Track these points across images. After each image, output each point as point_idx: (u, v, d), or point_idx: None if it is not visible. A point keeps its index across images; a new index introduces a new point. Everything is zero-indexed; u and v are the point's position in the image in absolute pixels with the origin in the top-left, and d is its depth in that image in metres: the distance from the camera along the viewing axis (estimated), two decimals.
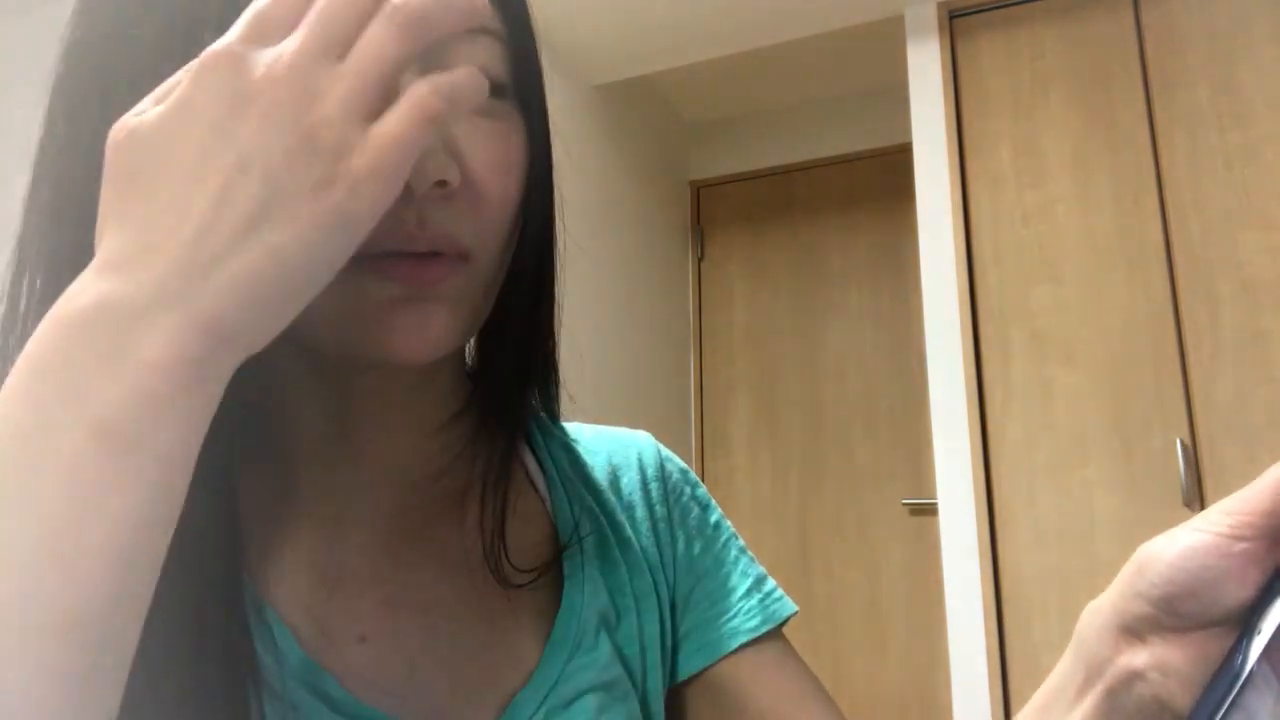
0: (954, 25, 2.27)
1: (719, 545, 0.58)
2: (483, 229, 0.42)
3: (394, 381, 0.46)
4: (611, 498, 0.56)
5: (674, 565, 0.56)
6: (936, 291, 2.14)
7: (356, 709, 0.42)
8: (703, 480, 2.64)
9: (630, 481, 0.57)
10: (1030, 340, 2.04)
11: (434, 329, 0.41)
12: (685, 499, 0.59)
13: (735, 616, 0.55)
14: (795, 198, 3.07)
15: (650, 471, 0.59)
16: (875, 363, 2.85)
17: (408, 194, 0.38)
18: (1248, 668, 0.34)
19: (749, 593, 0.56)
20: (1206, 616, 0.36)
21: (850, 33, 2.43)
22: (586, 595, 0.51)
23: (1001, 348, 2.07)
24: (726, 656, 0.54)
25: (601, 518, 0.55)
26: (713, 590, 0.56)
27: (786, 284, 3.02)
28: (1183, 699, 0.36)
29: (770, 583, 0.58)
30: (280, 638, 0.42)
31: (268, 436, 0.45)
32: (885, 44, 2.43)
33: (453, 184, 0.39)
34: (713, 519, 0.59)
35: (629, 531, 0.55)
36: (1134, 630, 0.37)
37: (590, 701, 0.48)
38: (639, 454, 0.59)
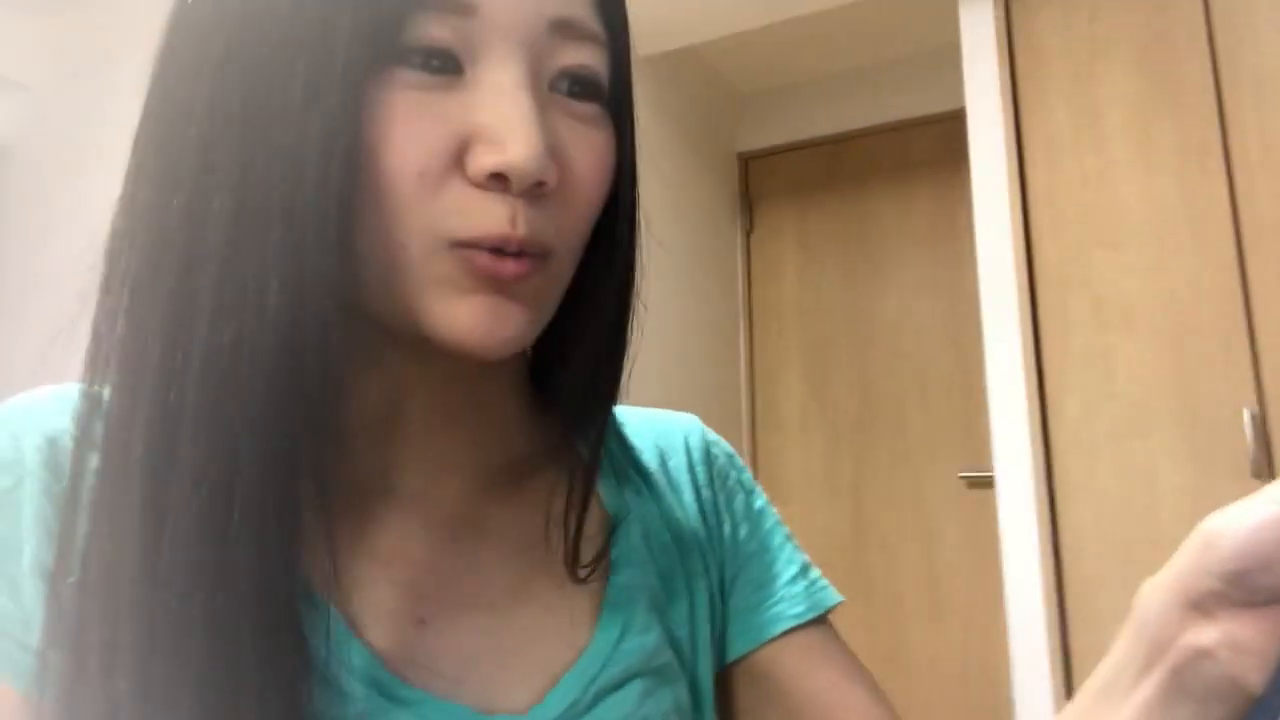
0: None
1: (764, 530, 0.58)
2: (567, 230, 0.43)
3: (456, 368, 0.46)
4: (661, 480, 0.56)
5: (721, 548, 0.56)
6: (992, 260, 2.09)
7: (408, 693, 0.42)
8: (755, 456, 2.62)
9: (678, 465, 0.57)
10: (1090, 308, 1.99)
11: (510, 326, 0.41)
12: (731, 482, 0.59)
13: (780, 602, 0.55)
14: (845, 167, 3.03)
15: (696, 455, 0.58)
16: (930, 334, 2.81)
17: (504, 190, 0.39)
18: None
19: (794, 579, 0.56)
20: None
21: None
22: (636, 578, 0.51)
23: (1060, 316, 2.02)
24: (770, 642, 0.54)
25: (651, 501, 0.55)
26: (758, 575, 0.56)
27: (837, 256, 2.99)
28: (1257, 676, 0.35)
29: (815, 571, 0.58)
30: (331, 622, 0.42)
31: (329, 415, 0.47)
32: (938, 6, 2.37)
33: (551, 186, 0.40)
34: (758, 504, 0.59)
35: (678, 514, 0.55)
36: (1201, 607, 0.36)
37: (638, 685, 0.48)
38: (685, 437, 0.59)
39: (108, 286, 0.41)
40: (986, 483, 2.56)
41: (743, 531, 0.57)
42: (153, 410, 0.38)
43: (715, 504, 0.57)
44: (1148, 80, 2.03)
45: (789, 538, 0.59)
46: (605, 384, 0.51)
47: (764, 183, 3.18)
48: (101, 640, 0.36)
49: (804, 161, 3.11)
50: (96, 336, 0.41)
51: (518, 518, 0.50)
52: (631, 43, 0.48)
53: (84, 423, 0.41)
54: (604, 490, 0.53)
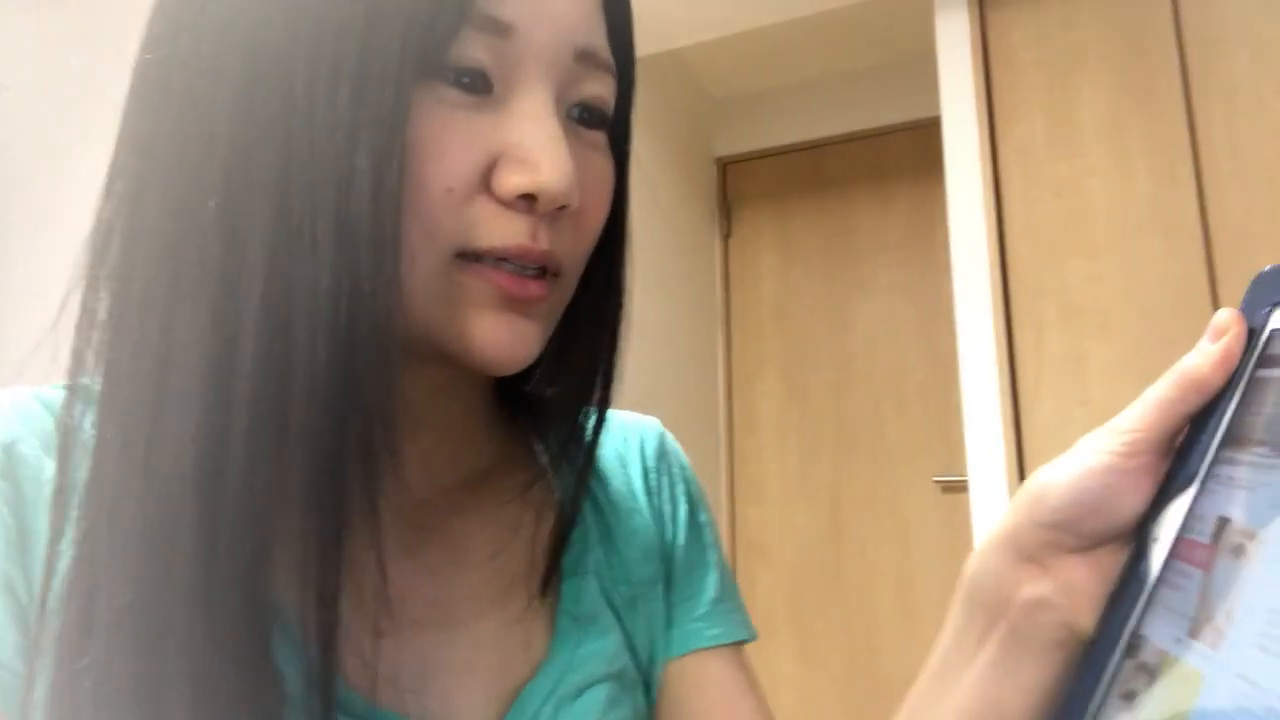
0: None
1: (701, 546, 0.58)
2: (577, 251, 0.45)
3: (433, 376, 0.46)
4: (620, 486, 0.56)
5: (668, 556, 0.56)
6: (967, 266, 2.11)
7: (365, 710, 0.42)
8: (732, 459, 2.64)
9: (635, 471, 0.58)
10: (1063, 315, 2.02)
11: (526, 344, 0.43)
12: (679, 492, 0.59)
13: (699, 620, 0.55)
14: (823, 173, 3.05)
15: (650, 461, 0.59)
16: (906, 339, 2.83)
17: (530, 210, 0.40)
18: (1156, 569, 0.36)
19: (718, 601, 0.56)
20: (1108, 532, 0.38)
21: (878, 3, 2.40)
22: (595, 586, 0.51)
23: (1034, 322, 2.04)
24: (681, 656, 0.54)
25: (609, 507, 0.55)
26: (685, 589, 0.56)
27: (815, 261, 3.00)
28: (1088, 617, 0.37)
29: (738, 601, 0.58)
30: (293, 637, 0.41)
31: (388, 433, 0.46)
32: (914, 14, 2.39)
33: (573, 209, 0.42)
34: (701, 518, 0.59)
35: (635, 521, 0.55)
36: (1035, 559, 0.38)
37: (600, 693, 0.48)
38: (641, 442, 0.59)
39: (100, 286, 0.39)
40: (960, 487, 2.59)
41: (681, 541, 0.57)
42: (196, 430, 0.36)
43: (663, 511, 0.57)
44: (1120, 89, 2.06)
45: (722, 561, 0.59)
46: (594, 409, 0.52)
47: (742, 187, 3.19)
48: (89, 664, 0.35)
49: (782, 167, 3.13)
50: (85, 339, 0.39)
51: (480, 526, 0.49)
52: (634, 75, 0.49)
53: (69, 432, 0.39)
54: (560, 495, 0.53)
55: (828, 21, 2.53)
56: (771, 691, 3.17)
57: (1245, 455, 0.35)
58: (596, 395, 0.51)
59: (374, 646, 0.43)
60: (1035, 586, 0.38)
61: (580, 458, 0.52)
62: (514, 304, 0.42)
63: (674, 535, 0.57)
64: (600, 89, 0.44)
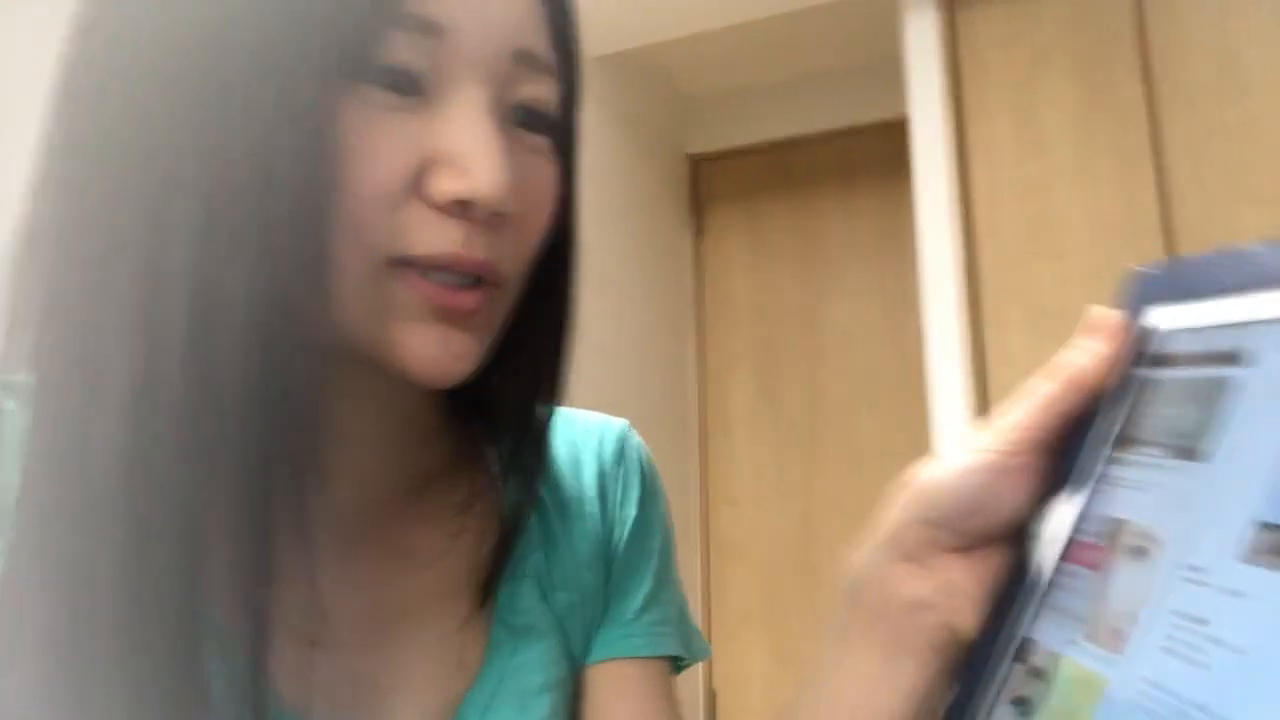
0: None
1: (641, 553, 0.56)
2: (517, 258, 0.43)
3: (380, 382, 0.45)
4: (569, 488, 0.55)
5: (612, 559, 0.55)
6: (935, 267, 2.13)
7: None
8: (704, 457, 2.64)
9: (589, 473, 0.56)
10: (1030, 315, 2.04)
11: (460, 357, 0.41)
12: (632, 496, 0.57)
13: (619, 627, 0.53)
14: (794, 172, 3.06)
15: (607, 464, 0.57)
16: (877, 338, 2.85)
17: (468, 215, 0.39)
18: (1046, 572, 0.36)
19: (642, 611, 0.54)
20: (989, 531, 0.37)
21: (848, 4, 2.41)
22: (530, 589, 0.50)
23: (1000, 323, 2.07)
24: (596, 663, 0.52)
25: (553, 509, 0.53)
26: (616, 593, 0.54)
27: (787, 259, 3.02)
28: (968, 618, 0.36)
29: (671, 614, 0.56)
30: (224, 652, 0.39)
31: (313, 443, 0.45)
32: (883, 15, 2.41)
33: (509, 215, 0.41)
34: (649, 525, 0.57)
35: (584, 525, 0.54)
36: (916, 557, 0.37)
37: (539, 702, 0.47)
38: (600, 443, 0.57)
39: (30, 289, 0.38)
40: None
41: (624, 545, 0.55)
42: (123, 441, 0.35)
43: (613, 515, 0.55)
44: (1085, 92, 2.09)
45: (663, 572, 0.56)
46: (540, 418, 0.51)
47: (714, 185, 3.19)
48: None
49: (753, 165, 3.14)
50: (15, 343, 0.38)
51: (422, 534, 0.49)
52: (581, 77, 0.48)
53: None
54: (506, 497, 0.52)
55: (799, 21, 2.55)
56: (743, 690, 3.18)
57: (1134, 456, 0.34)
58: (544, 405, 0.50)
59: (307, 661, 0.42)
60: (916, 586, 0.37)
61: (528, 466, 0.50)
62: (448, 316, 0.40)
63: (620, 537, 0.55)
64: (541, 91, 0.43)
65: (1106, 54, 2.08)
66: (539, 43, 0.42)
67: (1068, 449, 0.37)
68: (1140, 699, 0.29)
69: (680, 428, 2.96)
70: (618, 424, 0.60)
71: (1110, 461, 0.35)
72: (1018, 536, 0.37)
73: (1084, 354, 0.37)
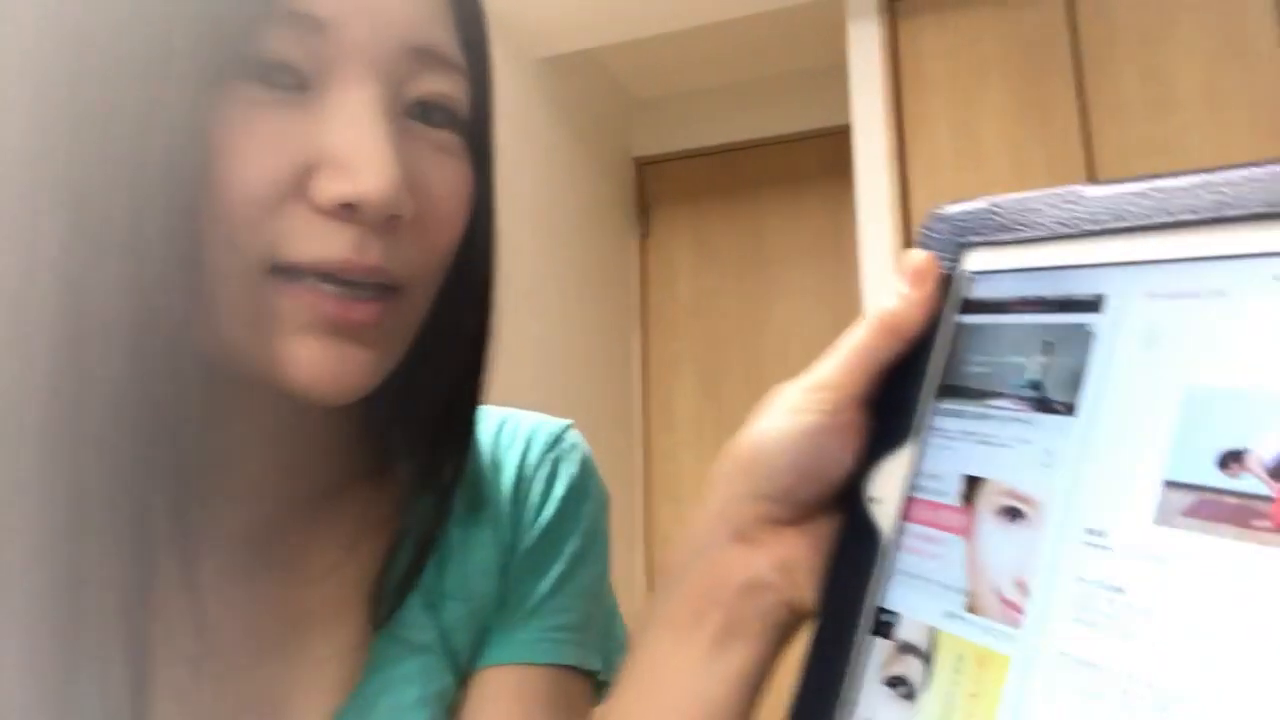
0: (895, 8, 2.30)
1: (547, 555, 0.51)
2: (420, 265, 0.41)
3: (268, 399, 0.42)
4: (481, 493, 0.51)
5: (511, 563, 0.51)
6: (876, 272, 2.18)
7: None
8: (649, 456, 2.64)
9: (507, 477, 0.52)
10: None
11: (354, 373, 0.38)
12: (553, 497, 0.53)
13: (505, 631, 0.49)
14: (739, 176, 3.09)
15: (530, 466, 0.53)
16: (819, 341, 2.87)
17: (357, 218, 0.37)
18: (888, 536, 0.33)
19: (533, 615, 0.50)
20: (821, 498, 0.34)
21: (794, 12, 2.45)
22: (415, 600, 0.47)
23: None
24: (481, 669, 0.49)
25: (455, 516, 0.50)
26: (509, 596, 0.50)
27: (730, 262, 3.05)
28: (809, 593, 0.34)
29: (572, 622, 0.51)
30: (102, 677, 0.38)
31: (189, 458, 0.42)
32: (828, 24, 2.45)
33: (404, 219, 0.38)
34: (565, 528, 0.52)
35: (486, 532, 0.50)
36: (747, 536, 0.34)
37: (414, 717, 0.45)
38: (527, 445, 0.54)
39: None
40: None
41: (530, 544, 0.51)
42: None
43: (524, 519, 0.52)
44: (1022, 105, 2.15)
45: (570, 578, 0.52)
46: (454, 432, 0.47)
47: (660, 188, 3.21)
48: None
49: (699, 169, 3.16)
50: None
51: (319, 548, 0.46)
52: (492, 74, 0.46)
53: None
54: (403, 503, 0.49)
55: (745, 27, 2.58)
56: None
57: (977, 408, 0.32)
58: (459, 416, 0.47)
59: (189, 681, 0.41)
60: (750, 567, 0.34)
61: (441, 480, 0.47)
62: (339, 328, 0.37)
63: (525, 541, 0.51)
64: (444, 86, 0.40)
65: (1042, 69, 2.15)
66: (441, 38, 0.40)
67: (890, 401, 0.34)
68: (1060, 674, 0.27)
69: (624, 426, 2.98)
70: (554, 424, 0.56)
71: (941, 413, 0.33)
72: (850, 499, 0.34)
73: (901, 301, 0.34)
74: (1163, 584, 0.25)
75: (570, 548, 0.52)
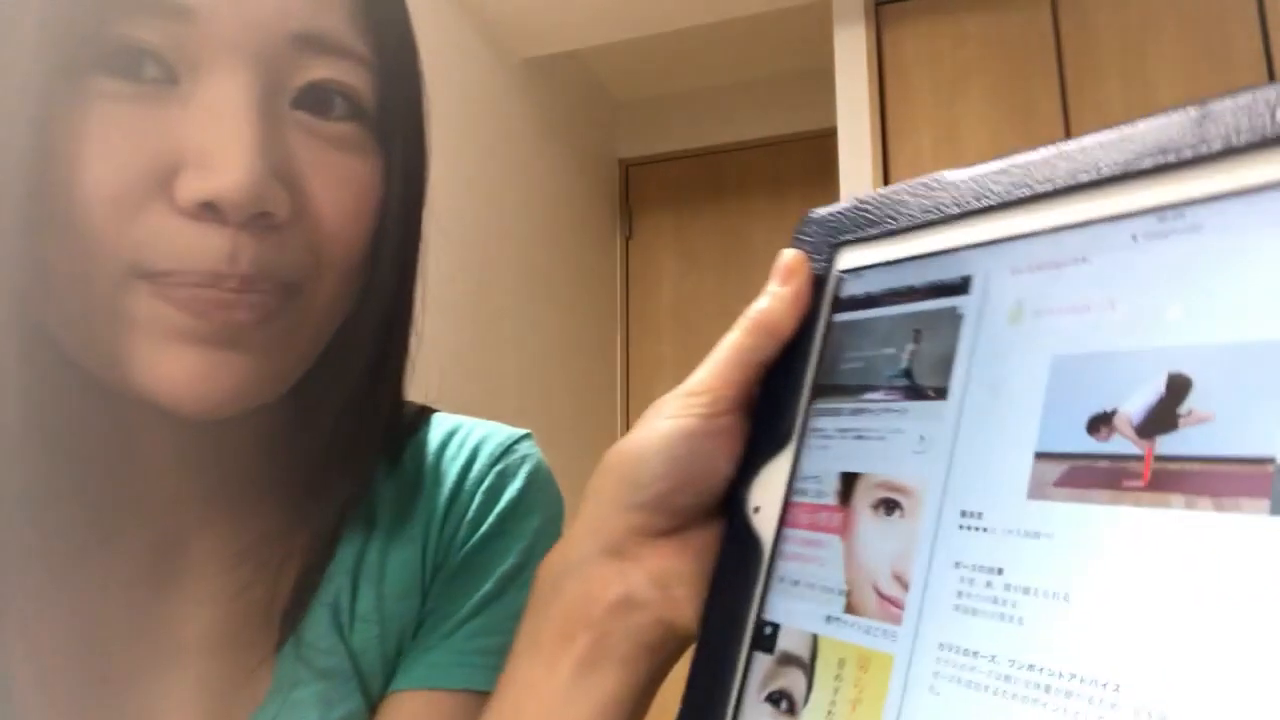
0: (880, 12, 2.30)
1: (476, 573, 0.48)
2: (319, 266, 0.37)
3: (160, 414, 0.38)
4: (408, 508, 0.48)
5: (435, 582, 0.48)
6: None
7: None
8: None
9: (443, 490, 0.49)
10: None
11: (231, 384, 0.35)
12: (493, 512, 0.49)
13: (417, 654, 0.47)
14: (723, 179, 3.09)
15: (472, 477, 0.50)
16: None
17: (219, 220, 0.34)
18: (767, 540, 0.31)
19: (449, 637, 0.47)
20: (699, 506, 0.33)
21: (779, 15, 2.45)
22: (324, 618, 0.45)
23: None
24: (393, 693, 0.46)
25: (376, 532, 0.47)
26: (428, 616, 0.48)
27: (714, 265, 3.05)
28: (688, 610, 0.32)
29: (495, 646, 0.47)
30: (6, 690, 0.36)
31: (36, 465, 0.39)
32: (813, 28, 2.46)
33: (278, 216, 0.35)
34: (502, 546, 0.49)
35: (408, 550, 0.47)
36: (621, 551, 0.32)
37: None
38: (473, 453, 0.51)
39: None
40: None
41: (457, 563, 0.48)
42: None
43: (456, 536, 0.49)
44: (1005, 110, 2.16)
45: (496, 598, 0.48)
46: (352, 454, 0.43)
47: (644, 190, 3.21)
48: None
49: (684, 171, 3.16)
50: None
51: (233, 559, 0.44)
52: (416, 62, 0.43)
53: None
54: (320, 528, 0.46)
55: (730, 30, 2.58)
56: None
57: (853, 404, 0.31)
58: (366, 427, 0.43)
59: (84, 703, 0.39)
60: (623, 585, 0.32)
61: (340, 493, 0.44)
62: (213, 334, 0.34)
63: (452, 560, 0.48)
64: (334, 74, 0.37)
65: (1026, 73, 2.16)
66: (330, 24, 0.37)
67: (769, 406, 0.33)
68: (945, 669, 0.25)
69: (606, 428, 2.97)
70: (506, 435, 0.52)
71: (818, 413, 0.32)
72: (730, 508, 0.33)
73: (775, 300, 0.33)
74: (1040, 559, 0.24)
75: (502, 567, 0.48)
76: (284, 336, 0.37)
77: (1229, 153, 0.23)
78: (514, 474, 0.51)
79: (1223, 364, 0.22)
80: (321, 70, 0.37)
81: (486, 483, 0.50)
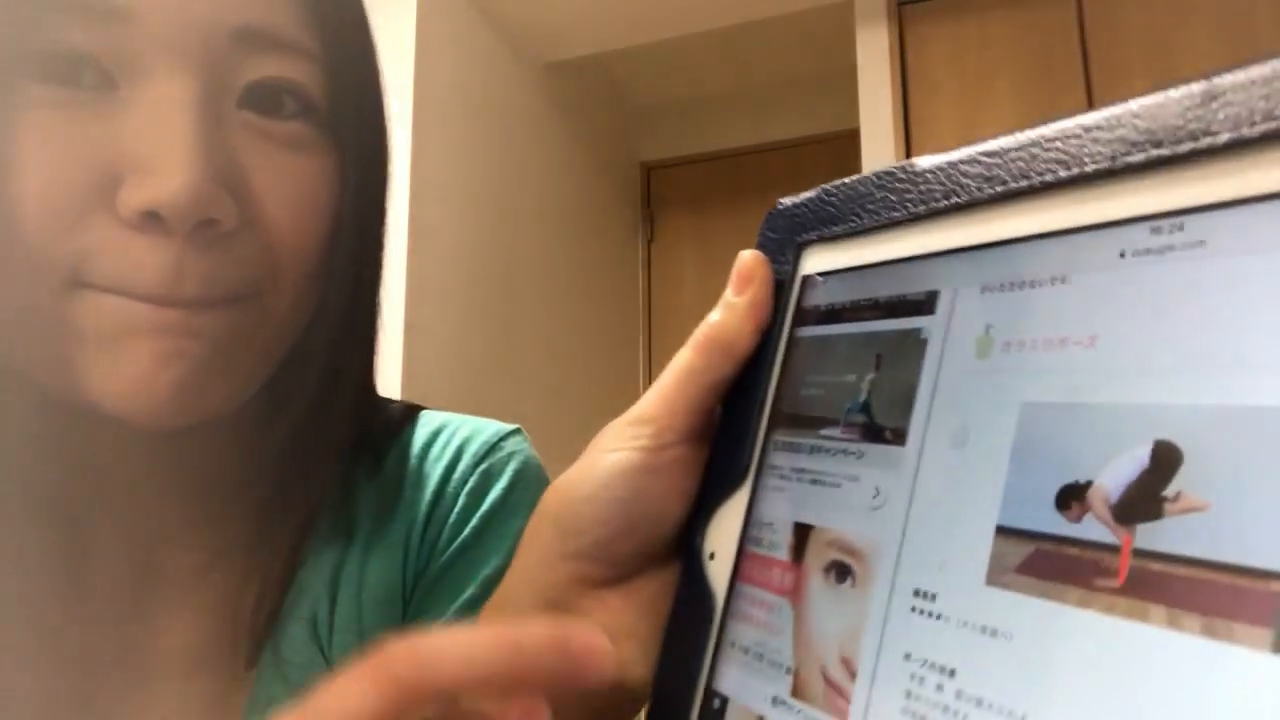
0: (903, 12, 2.29)
1: (460, 576, 0.46)
2: (275, 272, 0.36)
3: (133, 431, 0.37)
4: (389, 511, 0.47)
5: (415, 586, 0.46)
6: None
7: None
8: None
9: (425, 493, 0.47)
10: None
11: (177, 391, 0.33)
12: (480, 510, 0.47)
13: None
14: (745, 181, 3.09)
15: (457, 476, 0.47)
16: None
17: (163, 231, 0.32)
18: (720, 594, 0.27)
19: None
20: (648, 551, 0.29)
21: (801, 17, 2.44)
22: (302, 632, 0.43)
23: None
24: None
25: (358, 537, 0.45)
26: (409, 625, 0.46)
27: None
28: (640, 668, 0.29)
29: None
30: None
31: None
32: (835, 29, 2.44)
33: (225, 224, 0.33)
34: (490, 547, 0.47)
35: (388, 556, 0.46)
36: (562, 602, 0.29)
37: None
38: (458, 451, 0.48)
39: None
40: None
41: (440, 565, 0.46)
42: None
43: (439, 539, 0.47)
44: (1030, 109, 2.14)
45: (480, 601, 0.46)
46: (313, 461, 0.41)
47: (666, 193, 3.21)
48: None
49: (705, 174, 3.16)
50: None
51: (205, 572, 0.42)
52: (371, 55, 0.41)
53: None
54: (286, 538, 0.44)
55: (751, 32, 2.57)
56: None
57: (811, 439, 0.26)
58: (327, 435, 0.41)
59: (71, 715, 0.38)
60: None
61: (299, 501, 0.42)
62: (154, 334, 0.33)
63: (436, 564, 0.46)
64: (281, 70, 0.36)
65: (1051, 72, 2.14)
66: (274, 19, 0.35)
67: (727, 435, 0.29)
68: None
69: None
70: (492, 432, 0.50)
71: (778, 447, 0.27)
72: (684, 552, 0.29)
73: (728, 312, 0.29)
74: (996, 665, 0.20)
75: (487, 570, 0.46)
76: (241, 344, 0.35)
77: (1240, 145, 0.18)
78: (500, 473, 0.48)
79: (1224, 434, 0.17)
80: (267, 68, 0.35)
81: (470, 483, 0.47)
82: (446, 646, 0.21)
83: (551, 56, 2.60)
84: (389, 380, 1.88)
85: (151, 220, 0.32)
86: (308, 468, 0.41)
